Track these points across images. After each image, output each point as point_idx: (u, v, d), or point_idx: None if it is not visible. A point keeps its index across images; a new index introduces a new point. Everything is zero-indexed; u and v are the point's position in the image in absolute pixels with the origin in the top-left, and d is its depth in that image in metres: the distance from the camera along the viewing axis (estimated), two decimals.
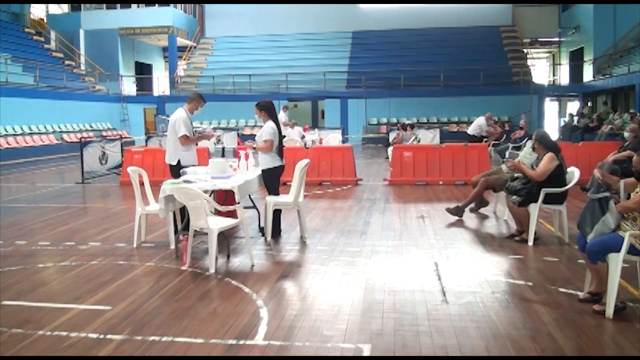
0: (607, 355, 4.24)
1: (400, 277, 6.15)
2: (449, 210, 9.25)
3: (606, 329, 4.69)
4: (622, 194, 5.15)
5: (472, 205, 9.40)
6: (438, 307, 5.16)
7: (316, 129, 21.63)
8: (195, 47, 37.13)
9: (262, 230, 8.10)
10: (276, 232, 7.97)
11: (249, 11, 36.18)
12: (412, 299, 5.38)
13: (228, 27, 36.76)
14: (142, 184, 7.76)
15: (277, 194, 7.92)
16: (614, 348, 4.37)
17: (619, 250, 4.85)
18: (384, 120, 29.89)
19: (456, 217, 9.14)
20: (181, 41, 35.85)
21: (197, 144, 8.67)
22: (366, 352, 4.25)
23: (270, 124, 7.82)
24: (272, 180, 7.95)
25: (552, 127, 31.27)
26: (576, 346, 4.34)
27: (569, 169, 7.61)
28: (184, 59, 36.71)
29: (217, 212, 6.97)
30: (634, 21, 28.29)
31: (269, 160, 7.85)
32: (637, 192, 5.01)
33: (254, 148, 7.89)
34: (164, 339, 4.52)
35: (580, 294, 5.36)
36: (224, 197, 7.39)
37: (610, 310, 4.86)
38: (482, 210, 9.65)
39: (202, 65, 35.43)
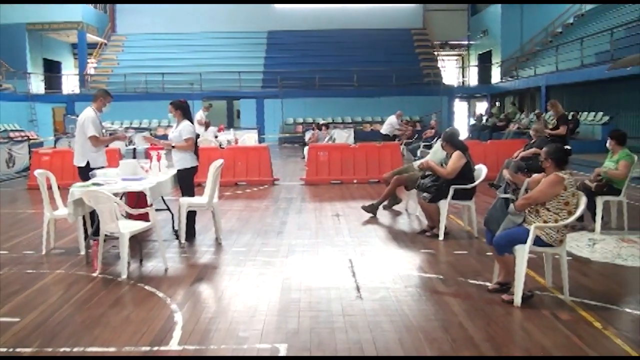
0: (515, 339, 4.46)
1: (316, 275, 6.21)
2: (364, 208, 9.41)
3: (514, 317, 4.93)
4: (522, 192, 5.42)
5: (385, 202, 9.61)
6: (353, 303, 5.25)
7: (232, 129, 21.42)
8: (106, 44, 35.87)
9: (176, 232, 7.95)
10: (190, 234, 7.85)
11: (161, 8, 35.22)
12: (328, 297, 5.45)
13: (140, 24, 35.67)
14: (50, 187, 7.45)
15: (193, 194, 7.82)
16: (522, 334, 4.61)
17: (524, 242, 5.10)
18: (300, 119, 30.05)
19: (370, 215, 9.32)
20: (91, 38, 34.45)
21: (107, 145, 8.39)
22: (282, 352, 4.26)
23: (188, 122, 7.74)
24: (190, 180, 7.85)
25: (461, 126, 32.40)
26: (486, 334, 4.53)
27: (476, 167, 7.94)
28: (94, 57, 35.37)
29: (129, 216, 6.78)
30: (539, 26, 30.01)
31: (188, 160, 7.77)
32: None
33: (173, 147, 7.75)
34: (76, 349, 4.35)
35: (489, 285, 5.61)
36: (136, 200, 7.20)
37: (518, 299, 5.11)
38: (395, 207, 9.88)
39: (113, 63, 34.31)
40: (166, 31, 35.20)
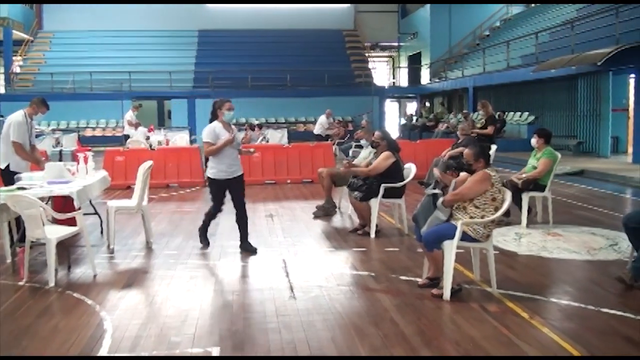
0: (445, 332, 4.60)
1: (250, 276, 6.23)
2: (316, 213, 9.37)
3: (444, 311, 5.08)
4: (450, 190, 5.59)
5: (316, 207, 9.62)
6: (286, 303, 5.28)
7: (162, 130, 21.00)
8: (32, 42, 34.38)
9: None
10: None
11: (90, 5, 34.07)
12: (261, 298, 5.45)
13: (68, 20, 34.22)
14: None
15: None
16: (452, 327, 4.75)
17: (452, 238, 5.26)
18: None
19: (314, 215, 9.33)
20: (17, 34, 32.87)
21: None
22: (215, 355, 4.24)
23: (212, 124, 7.74)
24: None
25: (392, 126, 32.97)
26: (417, 328, 4.65)
27: (406, 165, 8.13)
28: (20, 54, 33.84)
29: (55, 221, 6.57)
30: (467, 29, 30.95)
31: None
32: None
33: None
34: None
35: (420, 280, 5.75)
36: (63, 204, 6.99)
37: (447, 293, 5.27)
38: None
39: (39, 61, 32.90)
40: (95, 28, 33.98)
